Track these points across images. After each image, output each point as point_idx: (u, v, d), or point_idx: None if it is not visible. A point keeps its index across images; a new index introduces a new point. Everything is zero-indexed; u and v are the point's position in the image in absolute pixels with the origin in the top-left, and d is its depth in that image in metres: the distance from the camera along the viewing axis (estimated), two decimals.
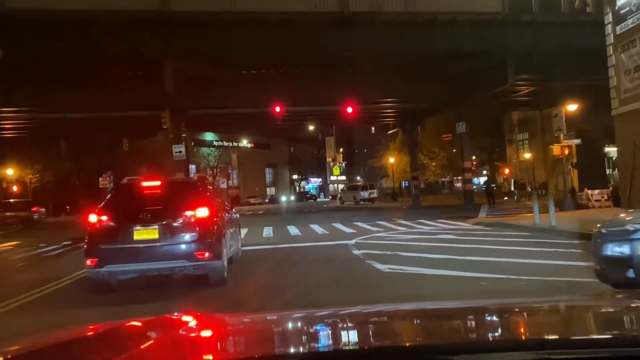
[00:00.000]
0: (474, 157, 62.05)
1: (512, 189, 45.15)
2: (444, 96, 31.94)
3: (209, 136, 73.64)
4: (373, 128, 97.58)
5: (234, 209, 11.51)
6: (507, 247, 12.08)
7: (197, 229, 8.10)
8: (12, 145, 42.64)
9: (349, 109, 29.53)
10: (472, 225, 19.15)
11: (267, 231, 20.23)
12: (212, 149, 71.60)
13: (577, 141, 24.46)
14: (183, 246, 8.09)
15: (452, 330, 2.05)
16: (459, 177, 72.80)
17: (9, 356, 1.66)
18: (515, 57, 27.12)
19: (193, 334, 2.11)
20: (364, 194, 48.15)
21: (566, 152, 22.93)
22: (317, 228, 20.51)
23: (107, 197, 8.68)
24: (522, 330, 2.06)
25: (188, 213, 8.15)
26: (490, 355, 1.45)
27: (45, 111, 30.60)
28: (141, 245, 8.01)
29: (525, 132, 54.46)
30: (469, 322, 2.17)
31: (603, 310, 2.29)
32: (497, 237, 14.25)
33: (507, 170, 47.88)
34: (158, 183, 8.72)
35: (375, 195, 49.95)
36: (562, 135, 22.94)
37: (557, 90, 30.33)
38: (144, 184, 8.72)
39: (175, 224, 8.07)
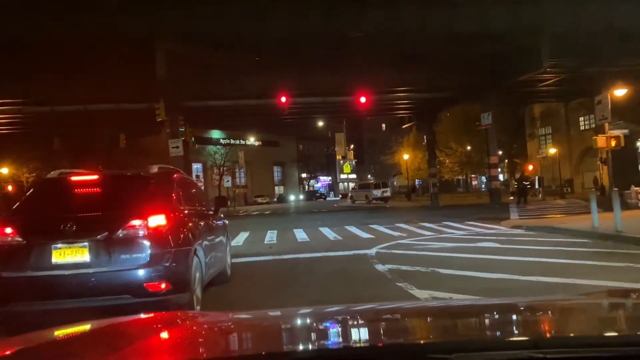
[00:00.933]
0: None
1: (536, 186, 42.22)
2: (467, 84, 28.86)
3: (215, 134, 72.28)
4: (384, 125, 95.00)
5: (220, 213, 8.72)
6: (579, 262, 9.18)
7: (148, 246, 5.34)
8: (5, 143, 40.32)
9: (362, 99, 26.72)
10: (510, 229, 16.40)
11: (271, 236, 17.51)
12: (218, 147, 69.92)
13: (625, 131, 21.40)
14: (126, 273, 5.32)
15: (449, 328, 2.05)
16: (475, 175, 70.13)
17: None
18: (551, 38, 24.05)
19: (194, 331, 2.05)
20: (377, 193, 45.22)
21: (613, 143, 20.01)
22: (328, 232, 17.75)
23: (21, 200, 5.94)
24: (517, 329, 2.03)
25: (135, 222, 5.37)
26: (485, 354, 1.43)
27: (30, 103, 28.01)
28: (64, 273, 5.26)
29: (547, 127, 51.55)
30: (466, 320, 2.16)
31: (598, 309, 2.26)
32: (554, 246, 11.38)
33: (530, 167, 44.86)
34: (94, 177, 5.95)
35: (388, 194, 46.99)
36: (606, 124, 20.05)
37: (588, 78, 27.45)
38: (74, 179, 5.95)
39: (114, 240, 5.30)
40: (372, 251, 11.80)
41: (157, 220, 5.45)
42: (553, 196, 38.13)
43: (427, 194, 44.25)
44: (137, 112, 31.15)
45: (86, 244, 5.26)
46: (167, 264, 5.38)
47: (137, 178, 6.15)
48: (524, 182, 29.70)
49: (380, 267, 9.50)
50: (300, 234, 17.34)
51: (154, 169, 6.34)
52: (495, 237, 13.93)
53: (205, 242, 6.81)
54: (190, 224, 6.31)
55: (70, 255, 5.25)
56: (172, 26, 22.79)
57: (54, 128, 37.93)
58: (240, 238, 16.98)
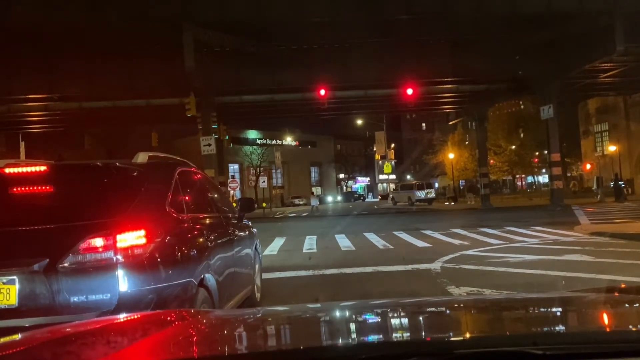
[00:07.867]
0: (537, 153, 55.63)
1: (594, 187, 39.12)
2: (525, 73, 26.05)
3: (252, 134, 71.39)
4: (424, 124, 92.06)
5: (244, 219, 6.58)
6: None
7: (116, 281, 3.27)
8: (38, 143, 39.54)
9: (409, 91, 24.38)
10: (590, 237, 14.02)
11: (309, 242, 15.41)
12: (255, 147, 68.80)
13: None
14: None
15: (448, 325, 1.98)
16: (523, 175, 66.57)
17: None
18: (625, 19, 21.25)
19: (198, 329, 1.96)
20: (420, 194, 42.64)
21: None
22: (374, 238, 15.55)
23: None
24: (516, 325, 1.94)
25: (95, 242, 3.29)
26: (484, 350, 1.37)
27: (56, 99, 26.65)
28: None
29: (604, 123, 48.01)
30: (464, 317, 2.09)
31: (597, 305, 2.18)
32: None
33: (588, 166, 41.57)
34: (41, 170, 3.86)
35: (433, 195, 44.38)
36: None
37: None
38: (10, 172, 3.90)
39: (60, 272, 3.24)
40: (436, 266, 9.55)
41: (133, 237, 3.35)
42: (612, 197, 35.14)
43: (474, 195, 41.46)
44: (169, 109, 29.54)
45: (14, 278, 3.22)
46: (148, 311, 3.29)
47: (109, 173, 4.01)
48: (620, 182, 31.99)
49: (454, 291, 7.24)
50: (343, 241, 15.17)
51: (141, 157, 4.25)
52: (580, 248, 11.54)
53: (220, 264, 4.70)
54: (195, 241, 4.20)
55: None
56: (201, 12, 20.93)
57: (84, 127, 36.73)
58: (276, 245, 14.95)
